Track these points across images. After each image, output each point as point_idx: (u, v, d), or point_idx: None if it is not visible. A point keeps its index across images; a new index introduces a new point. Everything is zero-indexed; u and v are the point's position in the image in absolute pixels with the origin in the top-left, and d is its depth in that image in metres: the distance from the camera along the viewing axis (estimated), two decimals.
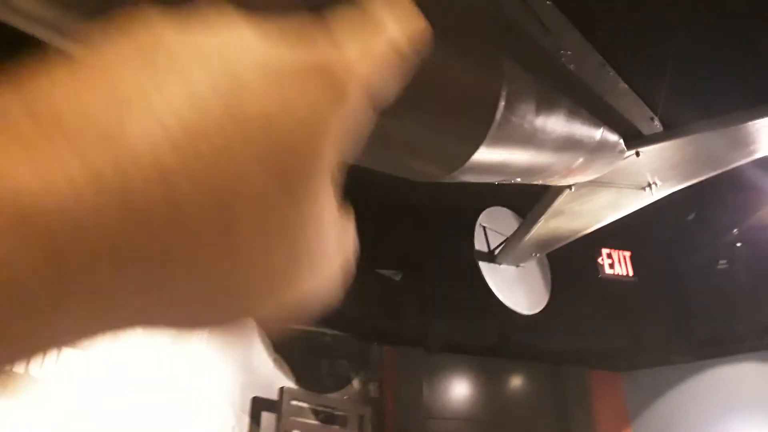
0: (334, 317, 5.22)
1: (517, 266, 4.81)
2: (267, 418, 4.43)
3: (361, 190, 5.24)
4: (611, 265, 5.18)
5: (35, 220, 0.18)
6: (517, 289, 4.73)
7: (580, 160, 3.16)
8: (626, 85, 3.38)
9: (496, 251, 4.67)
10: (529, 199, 4.28)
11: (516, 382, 6.55)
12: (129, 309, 0.22)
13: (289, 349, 4.74)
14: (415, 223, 5.54)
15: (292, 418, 4.52)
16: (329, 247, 0.27)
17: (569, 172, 3.27)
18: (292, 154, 0.22)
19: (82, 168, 0.18)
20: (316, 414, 4.78)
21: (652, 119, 3.56)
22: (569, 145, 3.00)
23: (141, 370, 3.69)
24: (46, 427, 3.20)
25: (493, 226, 4.78)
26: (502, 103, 2.49)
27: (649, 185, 3.84)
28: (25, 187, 0.18)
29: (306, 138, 0.22)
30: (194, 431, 3.89)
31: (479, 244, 4.68)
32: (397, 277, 5.98)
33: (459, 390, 6.17)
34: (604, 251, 5.17)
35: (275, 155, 0.22)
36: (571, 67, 3.00)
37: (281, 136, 0.22)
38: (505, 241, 4.63)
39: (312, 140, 0.23)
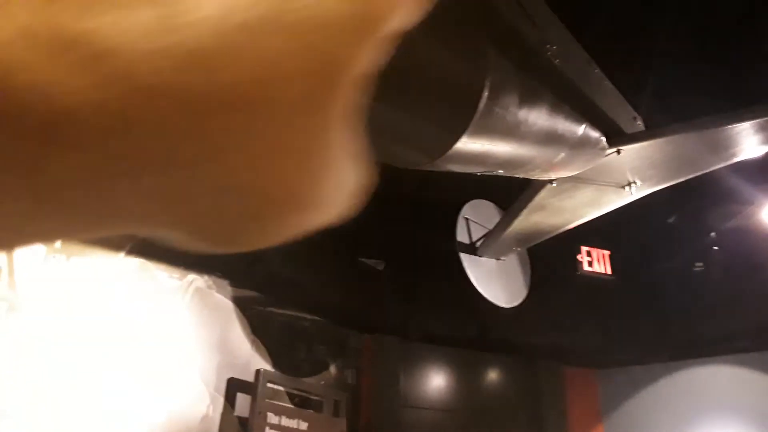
0: (314, 303, 5.24)
1: (498, 260, 4.85)
2: (242, 399, 4.45)
3: None
4: (590, 263, 5.25)
5: (112, 60, 0.18)
6: (496, 282, 4.77)
7: (562, 155, 3.20)
8: (611, 84, 3.42)
9: (478, 244, 4.71)
10: (513, 193, 4.33)
11: (492, 374, 6.62)
12: (146, 192, 0.21)
13: (267, 331, 4.76)
14: (400, 214, 5.57)
15: (268, 400, 4.54)
16: (342, 177, 0.27)
17: (551, 166, 3.30)
18: (329, 64, 0.22)
19: (157, 20, 0.19)
20: (292, 398, 4.81)
21: (634, 119, 3.61)
22: (551, 139, 3.04)
23: (116, 343, 3.69)
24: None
25: (476, 218, 4.81)
26: (485, 93, 2.51)
27: (629, 184, 3.89)
28: (103, 29, 0.18)
29: (344, 52, 0.22)
30: (167, 408, 3.90)
31: (461, 236, 4.72)
32: (380, 267, 6.00)
33: (436, 380, 6.23)
34: (584, 249, 5.23)
35: (316, 59, 0.21)
36: (557, 62, 3.03)
37: (324, 41, 0.21)
38: (486, 234, 4.67)
39: (350, 56, 0.22)
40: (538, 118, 2.83)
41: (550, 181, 3.72)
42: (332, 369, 5.37)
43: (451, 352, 6.28)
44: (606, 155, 3.45)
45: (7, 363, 3.16)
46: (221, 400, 4.32)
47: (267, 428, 4.47)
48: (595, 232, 4.84)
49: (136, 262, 3.94)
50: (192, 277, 4.31)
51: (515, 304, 4.88)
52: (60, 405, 3.34)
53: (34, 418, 3.20)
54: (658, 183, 3.90)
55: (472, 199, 5.02)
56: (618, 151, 3.46)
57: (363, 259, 5.99)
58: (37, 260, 3.41)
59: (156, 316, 3.98)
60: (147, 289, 3.98)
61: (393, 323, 5.79)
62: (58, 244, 3.52)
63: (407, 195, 5.30)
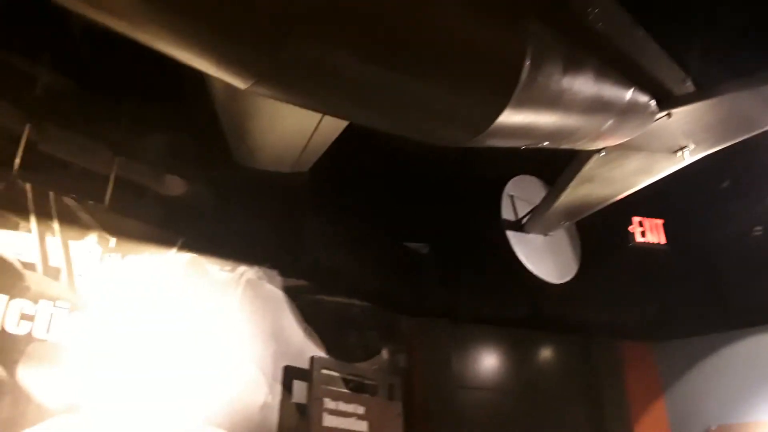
0: (363, 289, 5.26)
1: (546, 235, 4.76)
2: (299, 386, 4.52)
3: (385, 164, 5.17)
4: (643, 233, 5.09)
5: None
6: (545, 258, 4.69)
7: (610, 122, 3.09)
8: (657, 45, 3.28)
9: (524, 220, 4.63)
10: (557, 167, 4.22)
11: (545, 353, 6.53)
12: None
13: (317, 319, 4.81)
14: (441, 195, 5.52)
15: (324, 386, 4.60)
16: None
17: (598, 135, 3.20)
18: None
19: None
20: (347, 383, 4.85)
21: (684, 80, 3.45)
22: (598, 106, 2.94)
23: (175, 336, 3.78)
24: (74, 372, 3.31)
25: (520, 194, 4.73)
26: (527, 63, 2.44)
27: (682, 148, 3.74)
28: None
29: None
30: (228, 397, 3.98)
31: (507, 214, 4.65)
32: (424, 250, 5.98)
33: (488, 361, 6.18)
34: (636, 219, 5.08)
35: None
36: (600, 25, 2.92)
37: None
38: (532, 209, 4.59)
39: None
40: (583, 85, 2.74)
41: (598, 151, 3.61)
42: (384, 353, 5.39)
43: (502, 331, 6.22)
44: (656, 120, 3.33)
45: (72, 361, 3.28)
46: (279, 387, 4.39)
47: (325, 413, 4.52)
48: (646, 200, 4.69)
49: (188, 257, 4.03)
50: (243, 269, 4.38)
51: (566, 279, 4.79)
52: (125, 398, 3.45)
53: (101, 411, 3.32)
54: (713, 145, 3.74)
55: (514, 175, 4.93)
56: (668, 115, 3.32)
57: (406, 243, 5.98)
58: (94, 260, 3.52)
59: (211, 308, 4.07)
60: (200, 283, 4.06)
61: (441, 305, 5.77)
62: (112, 243, 3.62)
63: (447, 175, 5.25)
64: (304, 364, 4.59)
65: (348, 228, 5.06)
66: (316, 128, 3.65)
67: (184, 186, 4.02)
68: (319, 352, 4.75)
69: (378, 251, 5.41)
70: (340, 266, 4.94)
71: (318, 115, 3.48)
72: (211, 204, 4.14)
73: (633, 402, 6.45)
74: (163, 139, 3.89)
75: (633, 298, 6.00)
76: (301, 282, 4.78)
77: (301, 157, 4.00)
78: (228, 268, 4.29)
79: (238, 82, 2.12)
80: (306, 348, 4.69)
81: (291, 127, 3.68)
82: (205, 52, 2.03)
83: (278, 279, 4.63)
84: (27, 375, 3.10)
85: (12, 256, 3.18)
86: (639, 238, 5.07)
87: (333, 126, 3.65)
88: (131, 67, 3.41)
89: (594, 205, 4.35)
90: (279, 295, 4.62)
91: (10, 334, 3.09)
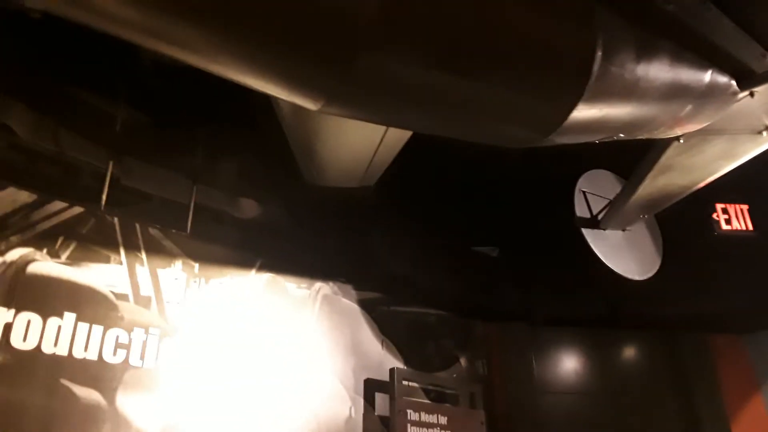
0: (436, 297, 5.23)
1: (624, 230, 4.59)
2: (380, 399, 4.53)
3: (450, 170, 5.13)
4: (728, 221, 4.82)
5: None
6: (625, 254, 4.51)
7: (689, 107, 2.95)
8: (731, 21, 3.11)
9: (600, 216, 4.47)
10: (628, 158, 4.06)
11: (629, 352, 6.28)
12: None
13: (394, 330, 4.82)
14: (508, 197, 5.43)
15: (405, 397, 4.58)
16: None
17: (676, 122, 3.06)
18: None
19: None
20: (428, 393, 4.83)
21: (763, 55, 3.25)
22: (675, 92, 2.81)
23: (259, 354, 3.87)
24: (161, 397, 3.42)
25: (593, 190, 4.58)
26: (599, 54, 2.36)
27: (766, 128, 3.53)
28: None
29: None
30: (315, 413, 4.04)
31: (580, 211, 4.50)
32: (494, 253, 5.89)
33: (569, 364, 6.00)
34: (719, 206, 4.81)
35: None
36: (670, 7, 2.80)
37: None
38: (608, 204, 4.43)
39: None
40: (658, 71, 2.63)
41: (677, 138, 3.45)
42: (462, 361, 5.33)
43: (582, 332, 6.03)
44: (738, 100, 3.15)
45: (166, 384, 3.40)
46: (361, 401, 4.42)
47: (408, 425, 4.51)
48: (729, 186, 4.44)
49: (267, 277, 4.13)
50: (318, 285, 4.45)
51: (650, 274, 4.59)
52: (217, 417, 3.55)
53: (195, 431, 3.44)
54: None
55: (581, 170, 4.78)
56: (751, 94, 3.14)
57: (477, 248, 5.90)
58: (180, 286, 3.66)
59: (291, 325, 4.15)
60: (280, 301, 4.16)
61: (517, 308, 5.65)
62: (196, 268, 3.75)
63: (512, 175, 5.15)
64: (384, 377, 4.59)
65: (418, 237, 5.05)
66: (381, 142, 3.67)
67: (258, 208, 4.13)
68: (398, 364, 4.75)
69: (449, 258, 5.37)
70: (413, 276, 4.93)
71: (382, 129, 3.50)
72: (284, 223, 4.24)
73: (727, 399, 6.10)
74: (236, 165, 4.02)
75: (720, 289, 5.68)
76: (376, 294, 4.80)
77: (367, 171, 4.03)
78: (304, 285, 4.37)
79: (309, 104, 2.15)
80: (384, 360, 4.71)
81: (357, 143, 3.71)
82: (275, 77, 2.07)
83: (353, 293, 4.68)
84: (125, 401, 3.24)
85: (105, 288, 3.34)
86: (724, 226, 4.80)
87: (397, 138, 3.66)
88: (201, 97, 3.53)
89: (674, 196, 4.15)
90: (355, 308, 4.66)
91: (108, 363, 3.24)
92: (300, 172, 4.09)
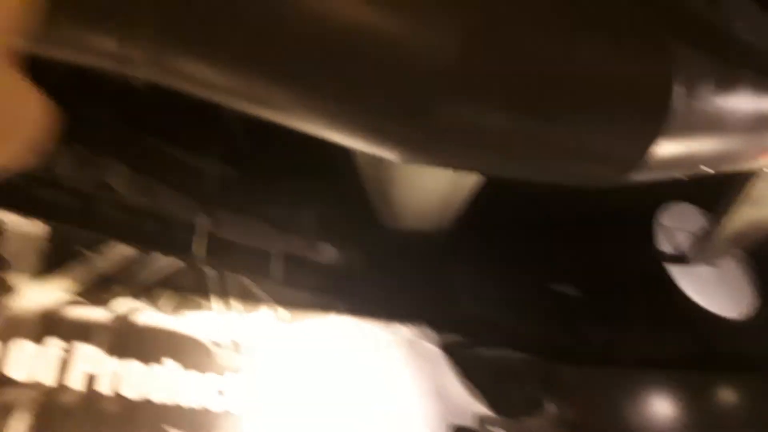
0: (518, 339, 5.13)
1: (713, 265, 4.39)
2: None
3: (523, 208, 5.09)
4: None
5: None
6: (717, 290, 4.31)
7: None
8: None
9: (686, 251, 4.32)
10: (709, 190, 3.92)
11: (726, 395, 5.86)
12: None
13: (477, 374, 4.75)
14: (584, 234, 5.32)
15: None
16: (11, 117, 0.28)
17: (764, 151, 2.96)
18: None
19: None
20: None
21: None
22: (760, 121, 2.73)
23: (343, 399, 3.92)
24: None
25: (676, 224, 4.44)
26: (676, 88, 2.35)
27: None
28: None
29: None
30: None
31: (664, 246, 4.36)
32: (574, 292, 5.74)
33: (662, 408, 5.68)
34: None
35: None
36: (747, 36, 2.76)
37: None
38: (694, 239, 4.27)
39: None
40: (741, 101, 2.58)
41: (764, 169, 3.32)
42: (548, 406, 5.17)
43: (674, 375, 5.71)
44: None
45: (257, 429, 3.51)
46: None
47: None
48: None
49: (348, 321, 4.21)
50: (399, 328, 4.48)
51: (744, 311, 4.35)
52: None
53: None
54: None
55: (658, 205, 4.64)
56: None
57: (554, 287, 5.77)
58: (268, 331, 3.80)
59: (375, 370, 4.19)
60: (362, 346, 4.21)
61: (601, 350, 5.45)
62: (281, 313, 3.90)
63: (588, 215, 5.05)
64: (468, 422, 4.52)
65: (497, 277, 5.02)
66: (456, 183, 3.73)
67: (338, 253, 4.26)
68: (483, 408, 4.67)
69: (531, 298, 5.29)
70: (493, 317, 4.88)
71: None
72: (364, 268, 4.34)
73: None
74: (317, 212, 4.18)
75: None
76: (457, 337, 4.78)
77: (443, 212, 4.09)
78: (385, 328, 4.42)
79: (390, 156, 2.24)
80: (468, 405, 4.64)
81: (432, 186, 3.79)
82: (357, 132, 2.17)
83: (434, 336, 4.68)
84: None
85: (202, 336, 3.53)
86: None
87: (472, 179, 3.71)
88: (283, 150, 3.74)
89: (765, 228, 3.96)
90: (436, 352, 4.65)
91: (207, 411, 3.39)
92: (378, 217, 4.20)
